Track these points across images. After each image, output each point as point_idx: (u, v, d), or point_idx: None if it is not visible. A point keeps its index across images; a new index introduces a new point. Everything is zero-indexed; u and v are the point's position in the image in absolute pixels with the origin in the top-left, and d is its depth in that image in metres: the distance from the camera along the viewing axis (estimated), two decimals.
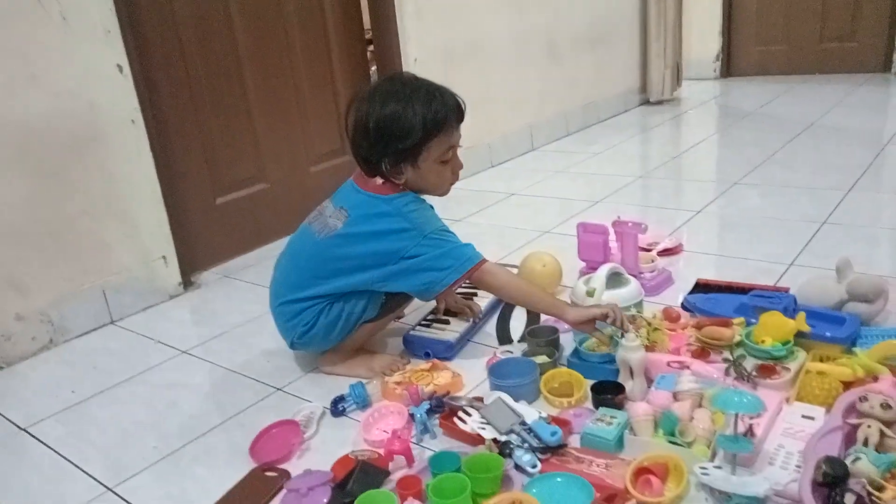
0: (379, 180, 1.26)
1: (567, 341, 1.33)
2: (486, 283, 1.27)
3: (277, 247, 2.11)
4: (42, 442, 1.24)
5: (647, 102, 3.81)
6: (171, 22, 1.86)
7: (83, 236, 1.66)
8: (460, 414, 1.11)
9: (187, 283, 1.88)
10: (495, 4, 2.76)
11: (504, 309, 1.53)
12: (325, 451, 1.11)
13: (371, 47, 2.54)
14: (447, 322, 1.42)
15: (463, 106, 1.27)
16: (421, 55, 2.48)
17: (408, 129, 1.20)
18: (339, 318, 1.28)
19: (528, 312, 1.50)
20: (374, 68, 2.54)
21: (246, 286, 1.89)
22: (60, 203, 1.62)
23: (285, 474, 1.06)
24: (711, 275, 1.57)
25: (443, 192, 1.31)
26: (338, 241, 1.25)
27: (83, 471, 1.15)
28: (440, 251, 1.23)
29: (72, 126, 1.61)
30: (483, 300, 1.52)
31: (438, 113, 1.21)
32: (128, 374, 1.46)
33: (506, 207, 2.34)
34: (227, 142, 2.05)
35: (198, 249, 1.97)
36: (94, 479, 1.12)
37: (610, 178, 2.53)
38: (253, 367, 1.43)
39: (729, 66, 4.32)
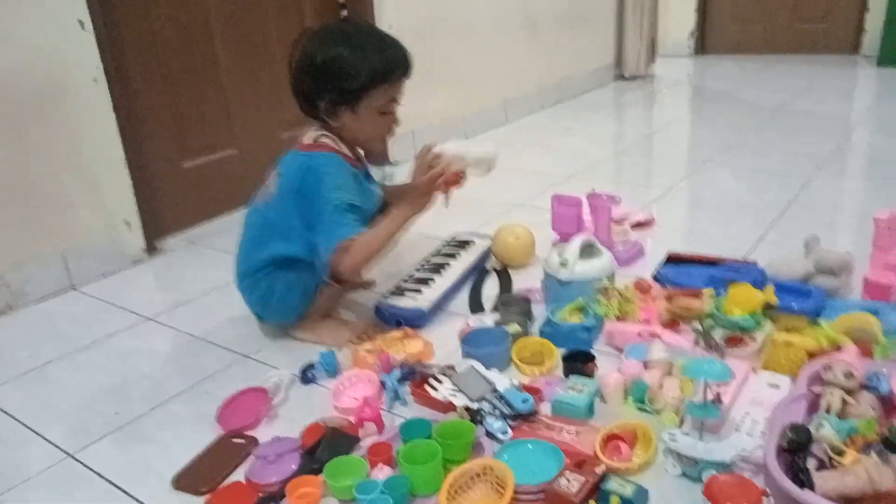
0: (310, 138, 1.25)
1: (540, 312, 1.33)
2: (353, 262, 1.20)
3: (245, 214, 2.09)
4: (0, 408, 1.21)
5: (621, 78, 3.80)
6: None
7: (43, 198, 1.60)
8: (431, 381, 1.11)
9: (151, 249, 1.84)
10: None
11: (477, 278, 1.52)
12: (293, 418, 1.10)
13: (345, 12, 2.47)
14: (419, 291, 1.41)
15: (412, 62, 1.26)
16: (397, 23, 2.42)
17: (355, 72, 1.19)
18: (294, 285, 1.27)
19: (500, 281, 1.50)
20: None
21: (213, 253, 1.85)
22: (20, 163, 1.55)
23: (253, 441, 1.04)
24: (682, 249, 1.58)
25: (377, 147, 1.30)
26: (273, 203, 1.25)
27: (42, 437, 1.11)
28: (327, 228, 1.18)
29: (32, 83, 1.54)
30: (460, 263, 1.51)
31: (389, 63, 1.22)
32: (89, 339, 1.42)
33: (479, 180, 2.31)
34: (196, 105, 1.99)
35: (163, 214, 1.92)
36: (55, 444, 1.09)
37: (584, 154, 2.53)
38: (219, 335, 1.40)
39: (703, 43, 4.33)
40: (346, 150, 1.27)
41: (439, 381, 1.10)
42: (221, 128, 2.07)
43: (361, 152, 1.35)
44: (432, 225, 1.88)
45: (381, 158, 1.29)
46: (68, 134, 1.62)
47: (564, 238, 1.59)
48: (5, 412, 1.19)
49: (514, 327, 1.23)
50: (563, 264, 1.31)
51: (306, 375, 1.20)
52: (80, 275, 1.68)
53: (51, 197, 1.61)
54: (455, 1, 2.65)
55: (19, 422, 1.16)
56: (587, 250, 1.35)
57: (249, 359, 1.30)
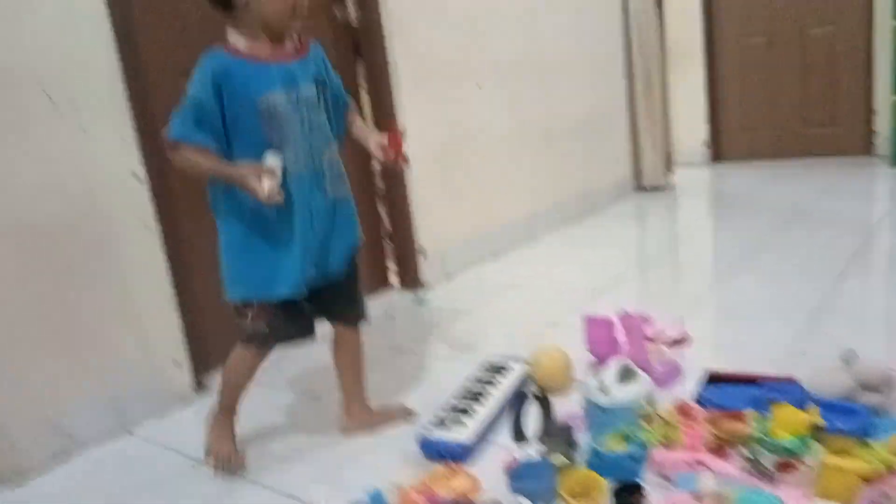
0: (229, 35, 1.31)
1: (583, 439, 1.33)
2: (177, 164, 1.31)
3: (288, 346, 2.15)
4: None
5: (641, 189, 3.92)
6: None
7: (97, 342, 1.67)
8: None
9: (199, 386, 1.88)
10: (491, 98, 2.89)
11: (517, 405, 1.53)
12: None
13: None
14: (460, 422, 1.42)
15: None
16: (421, 151, 2.57)
17: None
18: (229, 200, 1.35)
19: (541, 408, 1.51)
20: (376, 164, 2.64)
21: (256, 388, 1.88)
22: (71, 308, 1.64)
23: None
24: (718, 364, 1.58)
25: (284, 22, 1.28)
26: None
27: None
28: (171, 117, 1.29)
29: (88, 230, 1.66)
30: (499, 390, 1.53)
31: None
32: (141, 486, 1.45)
33: (510, 298, 2.37)
34: None
35: (209, 351, 1.97)
36: None
37: (610, 267, 2.58)
38: (268, 475, 1.42)
39: (718, 151, 4.48)
40: (242, 45, 1.29)
41: None
42: None
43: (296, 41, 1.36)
44: (465, 346, 1.94)
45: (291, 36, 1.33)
46: (120, 278, 1.71)
47: (600, 359, 1.61)
48: None
49: (559, 458, 1.23)
50: (603, 390, 1.33)
51: None
52: (131, 416, 1.72)
53: (101, 341, 1.68)
54: (475, 124, 2.81)
55: None
56: (625, 374, 1.37)
57: (296, 499, 1.31)
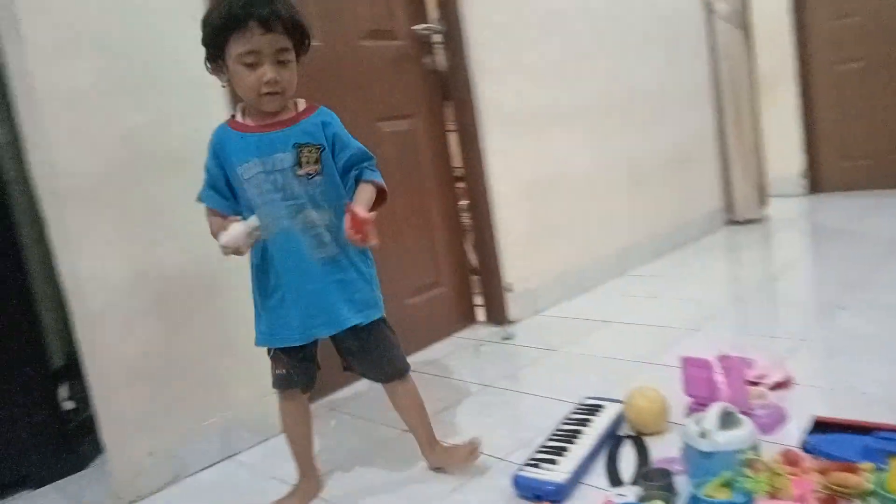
0: None
1: (681, 484, 1.30)
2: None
3: None
4: None
5: (733, 222, 3.81)
6: None
7: (205, 375, 1.79)
8: None
9: None
10: (577, 138, 2.91)
11: (612, 447, 1.52)
12: None
13: (461, 184, 2.70)
14: (554, 462, 1.42)
15: (270, 12, 1.25)
16: (507, 190, 2.62)
17: (208, 20, 1.29)
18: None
19: (637, 450, 1.49)
20: (464, 202, 2.70)
21: (350, 419, 1.96)
22: (187, 346, 1.76)
23: None
24: (825, 410, 1.51)
25: (254, 101, 1.32)
26: None
27: None
28: None
29: (202, 275, 1.79)
30: (594, 430, 1.52)
31: (236, 9, 1.25)
32: None
33: (601, 336, 2.35)
34: None
35: None
36: None
37: (704, 303, 2.51)
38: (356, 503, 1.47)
39: (814, 182, 4.29)
40: (238, 114, 1.38)
41: None
42: None
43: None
44: (558, 386, 1.93)
45: (273, 117, 1.35)
46: (226, 318, 1.82)
47: (698, 402, 1.57)
48: None
49: (657, 503, 1.21)
50: (703, 435, 1.30)
51: None
52: (238, 444, 1.82)
53: (212, 374, 1.80)
54: (560, 161, 2.83)
55: None
56: (727, 419, 1.34)
57: None
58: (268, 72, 1.27)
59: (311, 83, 2.12)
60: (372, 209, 1.38)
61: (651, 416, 1.55)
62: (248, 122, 1.37)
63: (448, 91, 2.57)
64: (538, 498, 1.34)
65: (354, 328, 1.43)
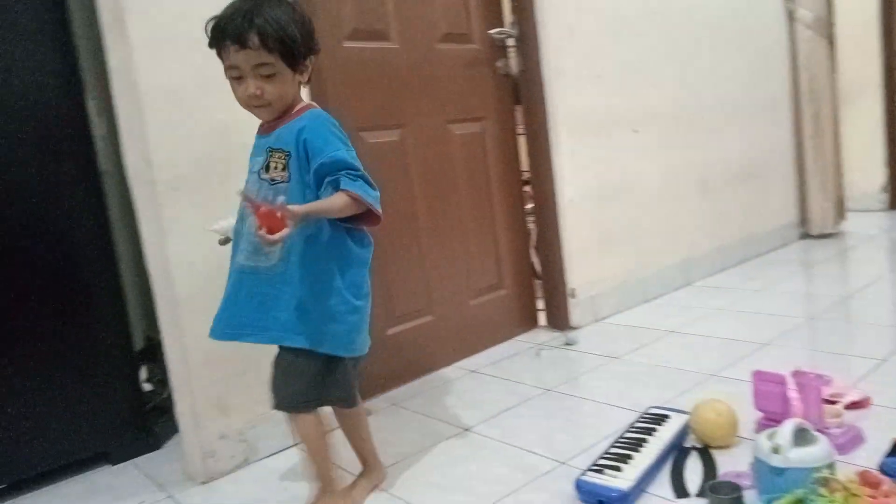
0: None
1: (750, 499, 1.27)
2: None
3: (440, 376, 2.24)
4: None
5: (807, 236, 3.67)
6: None
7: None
8: None
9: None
10: (646, 145, 2.87)
11: (677, 458, 1.50)
12: None
13: (528, 187, 2.71)
14: (618, 469, 1.41)
15: (242, 30, 1.23)
16: (575, 195, 2.61)
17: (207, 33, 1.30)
18: None
19: (703, 463, 1.47)
20: (530, 206, 2.70)
21: (411, 415, 1.99)
22: None
23: None
24: None
25: (245, 108, 1.34)
26: None
27: None
28: None
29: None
30: (659, 440, 1.50)
31: (215, 26, 1.28)
32: (304, 495, 1.57)
33: (665, 346, 2.31)
34: (401, 278, 2.24)
35: (370, 378, 2.11)
36: None
37: (775, 318, 2.44)
38: (426, 502, 1.49)
39: None
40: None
41: None
42: (421, 298, 2.30)
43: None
44: (620, 394, 1.92)
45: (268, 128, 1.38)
46: None
47: (769, 418, 1.53)
48: None
49: None
50: (776, 450, 1.27)
51: None
52: None
53: None
54: (628, 168, 2.80)
55: None
56: (801, 435, 1.30)
57: None
58: (249, 86, 1.28)
59: (386, 84, 2.18)
60: (351, 220, 1.33)
61: (719, 430, 1.52)
62: (265, 124, 1.40)
63: (519, 95, 2.58)
64: (601, 503, 1.34)
65: (285, 347, 1.38)
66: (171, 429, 1.93)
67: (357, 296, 1.37)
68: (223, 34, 1.26)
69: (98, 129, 1.91)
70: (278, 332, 1.35)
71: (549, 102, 2.51)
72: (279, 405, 1.43)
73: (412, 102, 2.26)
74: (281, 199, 1.25)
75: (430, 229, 2.31)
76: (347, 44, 2.09)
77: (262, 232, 1.17)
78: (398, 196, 2.23)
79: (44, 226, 1.74)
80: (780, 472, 1.25)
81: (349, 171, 1.29)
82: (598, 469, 1.42)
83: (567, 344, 2.43)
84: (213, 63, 1.71)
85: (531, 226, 2.68)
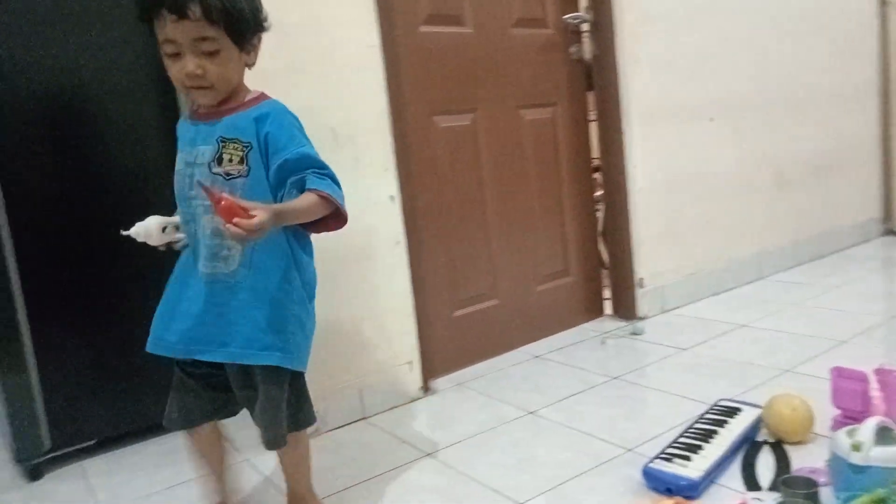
0: None
1: (825, 496, 1.25)
2: None
3: (504, 359, 2.27)
4: None
5: (891, 233, 3.50)
6: (433, 161, 2.16)
7: (348, 339, 1.91)
8: None
9: (426, 389, 2.06)
10: (721, 134, 2.79)
11: (749, 451, 1.47)
12: None
13: (597, 175, 2.68)
14: (688, 458, 1.40)
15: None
16: (645, 183, 2.57)
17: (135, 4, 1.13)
18: None
19: (776, 458, 1.44)
20: (599, 194, 2.68)
21: (476, 395, 2.02)
22: (333, 309, 1.88)
23: None
24: None
25: (181, 90, 1.17)
26: None
27: None
28: None
29: (351, 245, 1.90)
30: (730, 432, 1.48)
31: None
32: (381, 468, 1.62)
33: (735, 340, 2.26)
34: (468, 261, 2.26)
35: (436, 358, 2.15)
36: None
37: (853, 316, 2.35)
38: (490, 479, 1.51)
39: None
40: (197, 104, 1.23)
41: None
42: (486, 281, 2.32)
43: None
44: (688, 386, 1.89)
45: (200, 111, 1.21)
46: (371, 286, 1.94)
47: (847, 416, 1.49)
48: None
49: None
50: (856, 448, 1.23)
51: None
52: (371, 407, 1.93)
53: (353, 338, 1.92)
54: (701, 158, 2.73)
55: None
56: (883, 434, 1.26)
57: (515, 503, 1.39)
58: (188, 64, 1.11)
59: (459, 69, 2.20)
60: (320, 226, 1.22)
61: (794, 425, 1.48)
62: (201, 109, 1.22)
63: (591, 81, 2.55)
64: (669, 492, 1.33)
65: (245, 367, 1.21)
66: None
67: (311, 302, 1.28)
68: (159, 2, 1.08)
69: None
70: (244, 348, 1.17)
71: (622, 89, 2.47)
72: (277, 441, 1.26)
73: (484, 87, 2.27)
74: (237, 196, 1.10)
75: (498, 214, 2.33)
76: (423, 28, 2.11)
77: (235, 225, 1.00)
78: (468, 180, 2.25)
79: (131, 166, 1.80)
80: (860, 470, 1.21)
81: (316, 170, 1.18)
82: (667, 458, 1.41)
83: (633, 333, 2.41)
84: (297, 45, 1.77)
85: (599, 214, 2.66)
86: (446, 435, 1.76)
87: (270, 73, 1.71)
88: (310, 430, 1.37)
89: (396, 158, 1.97)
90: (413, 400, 2.01)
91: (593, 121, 2.59)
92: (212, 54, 1.12)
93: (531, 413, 1.85)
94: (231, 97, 1.20)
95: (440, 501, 1.46)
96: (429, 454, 1.67)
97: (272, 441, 1.25)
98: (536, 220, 2.44)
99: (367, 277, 1.93)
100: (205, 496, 1.46)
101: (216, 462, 1.40)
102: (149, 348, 1.23)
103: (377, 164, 1.93)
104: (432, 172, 2.16)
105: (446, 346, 2.21)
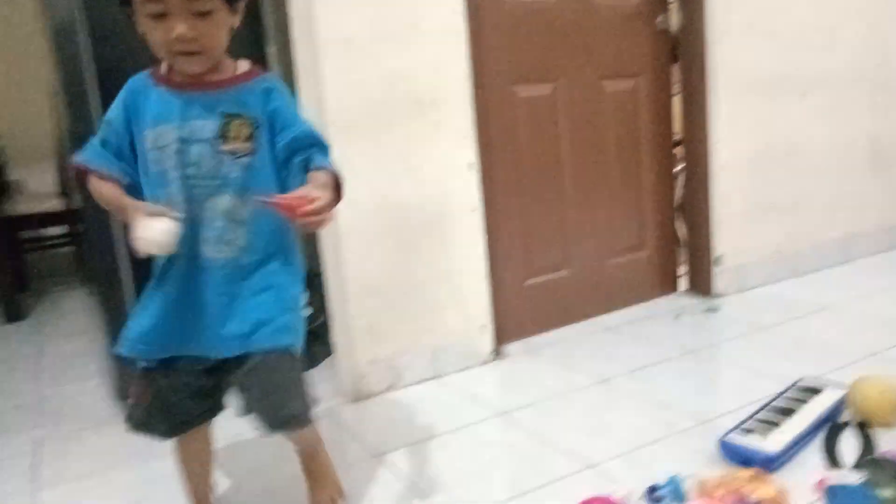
0: None
1: None
2: (91, 192, 1.11)
3: (576, 329, 2.27)
4: (390, 471, 1.48)
5: None
6: (512, 130, 2.16)
7: (425, 300, 1.96)
8: None
9: (497, 353, 2.09)
10: (814, 110, 2.67)
11: (831, 431, 1.44)
12: None
13: (678, 149, 2.62)
14: (767, 433, 1.39)
15: None
16: (729, 158, 2.50)
17: None
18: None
19: (861, 439, 1.41)
20: (679, 167, 2.62)
21: (546, 361, 2.04)
22: (411, 271, 1.94)
23: None
24: None
25: (164, 56, 1.06)
26: None
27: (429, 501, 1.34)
28: None
29: (430, 210, 1.94)
30: (812, 411, 1.46)
31: None
32: (453, 425, 1.67)
33: (818, 321, 2.20)
34: (542, 230, 2.27)
35: (507, 324, 2.18)
36: None
37: None
38: (562, 441, 1.54)
39: None
40: (164, 68, 1.10)
41: None
42: (559, 252, 2.32)
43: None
44: (767, 364, 1.86)
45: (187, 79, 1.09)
46: (448, 250, 1.98)
47: None
48: (394, 475, 1.46)
49: (888, 492, 1.15)
50: None
51: (652, 496, 1.26)
52: (444, 367, 1.98)
53: (430, 300, 1.96)
54: (791, 134, 2.62)
55: (411, 483, 1.41)
56: None
57: (593, 468, 1.41)
58: (177, 26, 1.00)
59: (542, 38, 2.19)
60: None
61: (882, 408, 1.44)
62: (175, 77, 1.09)
63: (677, 52, 2.48)
64: (745, 463, 1.32)
65: (247, 355, 1.11)
66: (326, 351, 2.10)
67: (297, 281, 1.20)
68: None
69: (275, 73, 2.07)
70: (260, 332, 1.10)
71: (709, 61, 2.40)
72: (302, 420, 1.17)
73: (566, 57, 2.25)
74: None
75: (574, 185, 2.31)
76: None
77: (306, 215, 0.96)
78: (545, 150, 2.24)
79: None
80: None
81: (319, 147, 1.11)
82: (745, 431, 1.40)
83: (709, 311, 2.37)
84: (384, 13, 1.81)
85: (679, 189, 2.60)
86: (518, 397, 1.80)
87: (356, 40, 1.78)
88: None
89: (476, 126, 1.99)
90: (485, 363, 2.05)
91: (677, 94, 2.53)
92: (204, 15, 1.02)
93: (604, 381, 1.86)
94: (218, 66, 1.09)
95: (512, 458, 1.50)
96: (501, 414, 1.71)
97: (297, 418, 1.15)
98: (613, 192, 2.41)
99: (443, 242, 1.97)
100: None
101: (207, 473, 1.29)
102: (144, 355, 1.12)
103: (457, 131, 1.95)
104: (511, 141, 2.17)
105: (518, 313, 2.23)
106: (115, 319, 1.81)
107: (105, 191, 1.09)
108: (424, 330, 1.97)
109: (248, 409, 1.12)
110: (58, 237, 3.48)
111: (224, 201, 1.08)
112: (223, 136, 1.07)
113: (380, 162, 1.85)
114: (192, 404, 1.16)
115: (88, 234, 1.92)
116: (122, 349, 1.13)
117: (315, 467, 1.32)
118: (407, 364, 1.94)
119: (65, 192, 3.08)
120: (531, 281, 2.28)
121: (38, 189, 3.55)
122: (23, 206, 3.13)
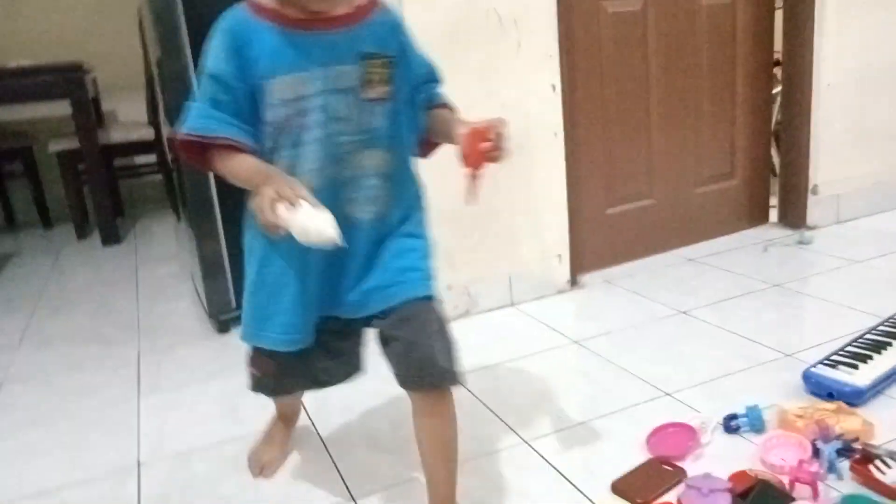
0: None
1: None
2: (216, 168, 0.95)
3: (657, 260, 2.23)
4: (462, 391, 1.52)
5: None
6: (598, 49, 2.06)
7: (501, 228, 1.96)
8: (877, 463, 1.06)
9: (574, 282, 2.08)
10: None
11: None
12: (719, 460, 1.16)
13: (777, 69, 2.45)
14: (855, 367, 1.34)
15: None
16: (834, 79, 2.31)
17: None
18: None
19: None
20: (777, 90, 2.45)
21: (624, 292, 2.02)
22: (489, 198, 1.93)
23: (682, 472, 1.14)
24: None
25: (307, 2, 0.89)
26: None
27: (503, 421, 1.38)
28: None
29: (513, 132, 1.91)
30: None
31: None
32: (528, 350, 1.69)
33: None
34: (625, 157, 2.20)
35: (585, 253, 2.15)
36: (513, 430, 1.35)
37: None
38: (638, 368, 1.54)
39: None
40: (270, 2, 0.91)
41: (887, 465, 1.05)
42: (643, 179, 2.25)
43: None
44: (858, 298, 1.77)
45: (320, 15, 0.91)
46: (527, 177, 1.95)
47: None
48: (473, 394, 1.51)
49: None
50: None
51: (730, 425, 1.25)
52: (519, 295, 2.00)
53: (507, 228, 1.96)
54: None
55: (484, 404, 1.46)
56: None
57: (671, 396, 1.41)
58: None
59: None
60: (426, 149, 1.07)
61: None
62: (290, 11, 0.90)
63: None
64: (831, 396, 1.29)
65: (391, 308, 1.00)
66: None
67: (427, 230, 1.11)
68: None
69: None
70: (413, 282, 1.02)
71: None
72: (451, 379, 0.99)
73: None
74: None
75: (661, 108, 2.21)
76: None
77: (488, 151, 0.91)
78: (632, 70, 2.14)
79: None
80: None
81: (438, 81, 1.04)
82: (831, 364, 1.36)
83: (801, 242, 2.26)
84: None
85: (775, 113, 2.45)
86: (594, 326, 1.80)
87: None
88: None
89: (560, 45, 1.91)
90: (560, 292, 2.05)
91: (780, 8, 2.33)
92: None
93: (683, 312, 1.82)
94: None
95: (587, 384, 1.51)
96: (576, 342, 1.72)
97: (449, 372, 0.98)
98: (704, 117, 2.29)
99: (522, 167, 1.94)
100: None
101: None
102: (286, 348, 1.04)
103: (540, 50, 1.89)
104: (596, 62, 2.08)
105: (597, 243, 2.20)
106: (205, 247, 1.90)
107: (235, 165, 0.92)
108: (501, 257, 1.98)
109: (395, 363, 0.99)
110: (148, 165, 3.65)
111: (374, 156, 0.97)
112: (367, 81, 0.94)
113: (457, 84, 1.80)
114: (330, 364, 1.11)
115: (178, 163, 2.01)
116: (262, 342, 1.05)
117: (449, 454, 1.03)
118: (483, 291, 1.96)
119: (153, 122, 3.21)
120: (612, 210, 2.23)
121: (129, 118, 3.72)
122: (115, 134, 3.28)
